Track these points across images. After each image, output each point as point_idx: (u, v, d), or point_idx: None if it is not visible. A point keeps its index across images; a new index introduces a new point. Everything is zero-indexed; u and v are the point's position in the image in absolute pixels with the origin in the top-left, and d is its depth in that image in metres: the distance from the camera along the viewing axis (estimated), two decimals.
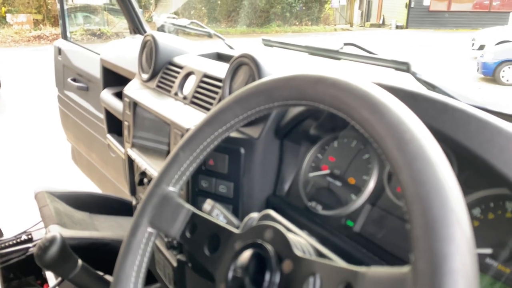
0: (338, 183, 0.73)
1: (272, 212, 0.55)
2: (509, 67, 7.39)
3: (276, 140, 0.79)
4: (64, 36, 2.72)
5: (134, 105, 1.11)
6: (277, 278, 0.45)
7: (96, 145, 2.37)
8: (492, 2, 16.69)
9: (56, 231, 1.37)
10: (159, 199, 0.61)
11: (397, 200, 0.63)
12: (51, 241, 0.92)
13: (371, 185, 0.68)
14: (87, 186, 2.68)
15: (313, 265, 0.43)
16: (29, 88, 6.54)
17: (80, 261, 0.99)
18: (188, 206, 0.59)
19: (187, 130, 0.86)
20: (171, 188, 0.61)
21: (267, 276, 0.46)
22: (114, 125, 1.72)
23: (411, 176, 0.35)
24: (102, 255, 1.40)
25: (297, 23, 16.72)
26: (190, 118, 0.91)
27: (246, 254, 0.49)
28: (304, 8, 17.15)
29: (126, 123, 1.16)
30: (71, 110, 2.59)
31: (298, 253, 0.45)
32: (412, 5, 17.17)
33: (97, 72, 2.17)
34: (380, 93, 0.41)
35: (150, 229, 0.61)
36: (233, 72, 0.86)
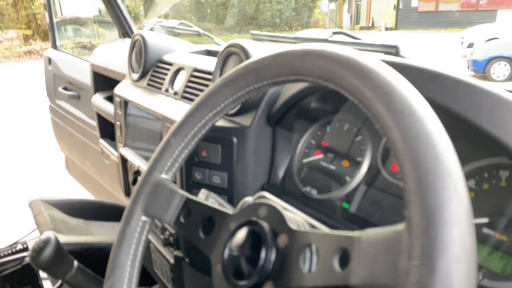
0: (332, 167, 0.73)
1: (266, 194, 0.54)
2: (498, 64, 7.45)
3: (268, 127, 0.78)
4: (54, 46, 2.71)
5: (125, 103, 1.11)
6: (272, 254, 0.45)
7: (90, 153, 2.36)
8: (479, 1, 16.86)
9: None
10: (152, 187, 0.60)
11: (393, 178, 0.63)
12: (46, 242, 0.91)
13: (365, 165, 0.67)
14: (82, 195, 2.66)
15: (308, 236, 0.42)
16: (21, 100, 6.52)
17: (76, 262, 0.98)
18: (182, 192, 0.59)
19: None
20: (163, 176, 0.60)
21: (263, 253, 0.45)
22: (107, 130, 1.71)
23: (401, 133, 0.34)
24: (99, 260, 1.38)
25: (287, 29, 16.79)
26: (182, 112, 0.91)
27: (241, 233, 0.49)
28: (293, 13, 17.25)
29: (117, 123, 1.16)
30: (63, 120, 2.58)
31: (293, 226, 0.45)
32: (400, 7, 17.31)
33: (88, 80, 2.16)
34: (365, 59, 0.41)
35: (144, 218, 0.60)
36: (222, 63, 0.86)
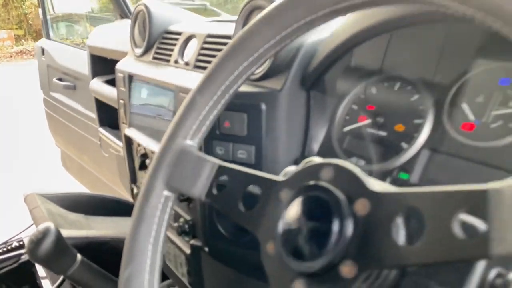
0: (383, 133, 0.62)
1: (317, 158, 0.44)
2: None
3: (302, 91, 0.67)
4: (47, 36, 2.59)
5: (130, 79, 0.99)
6: (349, 226, 0.34)
7: (87, 146, 2.25)
8: None
9: None
10: (175, 155, 0.49)
11: (466, 139, 0.52)
12: (45, 232, 0.80)
13: (426, 128, 0.56)
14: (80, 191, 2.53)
15: (403, 199, 0.32)
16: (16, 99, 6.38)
17: (79, 256, 0.87)
18: (213, 159, 0.48)
19: None
20: (188, 142, 0.50)
21: (335, 225, 0.34)
22: (107, 117, 1.60)
23: None
24: (102, 255, 1.27)
25: None
26: (198, 81, 0.79)
27: (300, 202, 0.38)
28: None
29: (121, 101, 1.04)
30: (58, 112, 2.46)
31: (377, 187, 0.34)
32: None
33: (84, 69, 2.05)
34: None
35: (166, 193, 0.49)
36: (244, 21, 0.75)
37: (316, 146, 0.69)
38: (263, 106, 0.67)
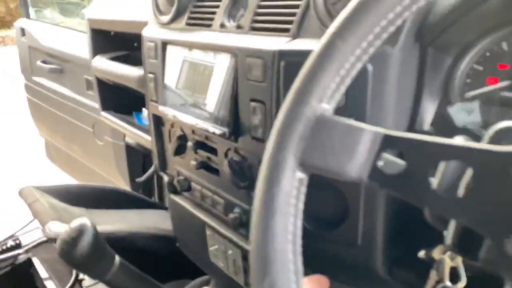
0: None
1: None
2: None
3: (416, 48, 0.55)
4: (27, 15, 2.38)
5: (163, 47, 0.84)
6: None
7: (78, 134, 2.07)
8: None
9: (60, 227, 1.09)
10: (310, 124, 0.36)
11: None
12: (81, 230, 0.65)
13: None
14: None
15: None
16: None
17: (117, 257, 0.72)
18: (373, 127, 0.35)
19: (277, 53, 0.61)
20: (325, 105, 0.36)
21: None
22: (110, 100, 1.43)
23: None
24: (120, 252, 1.14)
25: None
26: (265, 43, 0.66)
27: None
28: None
29: (150, 75, 0.89)
30: (43, 99, 2.26)
31: None
32: None
33: (73, 49, 1.88)
34: None
35: (300, 174, 0.36)
36: None
37: (429, 116, 0.57)
38: (370, 68, 0.54)
